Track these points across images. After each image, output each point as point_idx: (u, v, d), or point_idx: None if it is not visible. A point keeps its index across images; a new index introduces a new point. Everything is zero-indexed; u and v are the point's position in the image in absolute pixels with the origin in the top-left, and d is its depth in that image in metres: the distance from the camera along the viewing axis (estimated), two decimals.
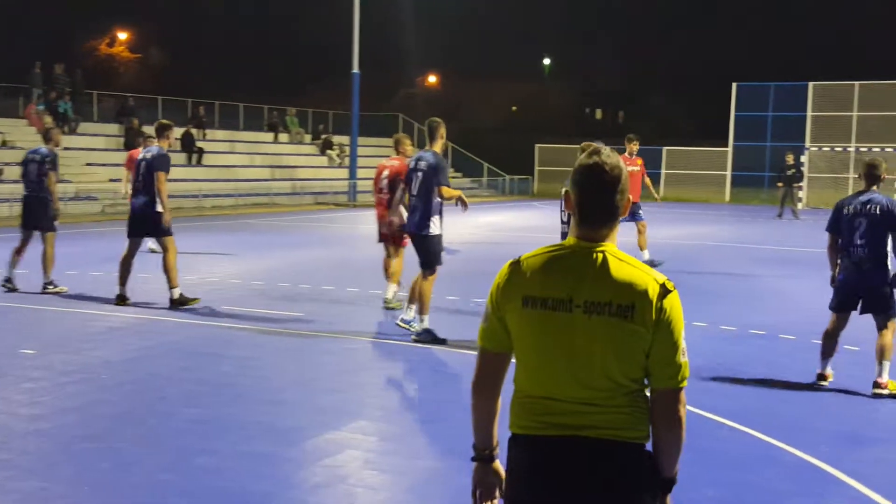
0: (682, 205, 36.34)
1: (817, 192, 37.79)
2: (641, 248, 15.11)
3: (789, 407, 7.11)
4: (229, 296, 11.82)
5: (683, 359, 2.65)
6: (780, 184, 30.48)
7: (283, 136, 39.14)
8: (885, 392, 7.39)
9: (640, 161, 15.88)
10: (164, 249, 10.99)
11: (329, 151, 39.24)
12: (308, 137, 40.32)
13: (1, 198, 24.42)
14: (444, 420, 6.62)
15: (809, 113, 37.87)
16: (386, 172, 11.11)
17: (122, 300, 11.01)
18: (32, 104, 29.79)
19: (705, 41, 69.72)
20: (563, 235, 8.26)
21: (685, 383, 2.66)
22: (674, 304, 2.63)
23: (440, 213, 9.34)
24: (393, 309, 10.91)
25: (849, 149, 37.32)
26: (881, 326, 7.48)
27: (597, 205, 2.69)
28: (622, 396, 2.63)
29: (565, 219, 8.31)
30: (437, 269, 9.40)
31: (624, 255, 2.68)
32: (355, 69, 33.02)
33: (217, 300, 11.41)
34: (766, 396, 7.39)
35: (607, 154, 2.70)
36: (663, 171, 40.31)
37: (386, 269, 11.26)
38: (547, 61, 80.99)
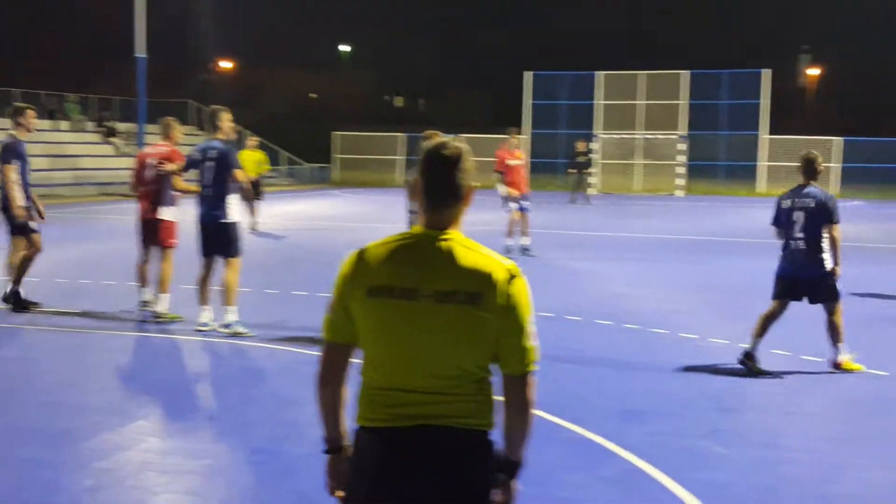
0: (481, 192, 36.90)
1: (608, 177, 39.48)
2: (523, 235, 16.16)
3: (573, 386, 7.32)
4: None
5: (532, 343, 2.70)
6: (571, 170, 31.62)
7: (63, 124, 36.99)
8: (841, 370, 7.72)
9: (520, 154, 16.73)
10: (13, 248, 10.02)
11: (113, 139, 37.46)
12: (90, 125, 38.30)
13: None
14: (228, 417, 6.39)
15: (599, 101, 39.42)
16: (153, 161, 9.71)
17: (16, 302, 10.00)
18: None
19: (502, 32, 71.59)
20: (411, 225, 8.17)
21: (534, 367, 2.70)
22: (521, 289, 2.68)
23: (236, 201, 9.05)
24: (171, 322, 9.49)
25: (636, 136, 39.22)
26: (830, 311, 7.76)
27: (439, 183, 2.69)
28: (470, 384, 2.64)
29: (412, 208, 8.18)
30: (240, 258, 9.11)
31: (471, 242, 2.70)
32: (140, 53, 31.59)
33: None
34: (552, 377, 7.57)
35: (451, 138, 2.76)
36: None
37: (141, 275, 9.87)
38: (346, 48, 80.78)
